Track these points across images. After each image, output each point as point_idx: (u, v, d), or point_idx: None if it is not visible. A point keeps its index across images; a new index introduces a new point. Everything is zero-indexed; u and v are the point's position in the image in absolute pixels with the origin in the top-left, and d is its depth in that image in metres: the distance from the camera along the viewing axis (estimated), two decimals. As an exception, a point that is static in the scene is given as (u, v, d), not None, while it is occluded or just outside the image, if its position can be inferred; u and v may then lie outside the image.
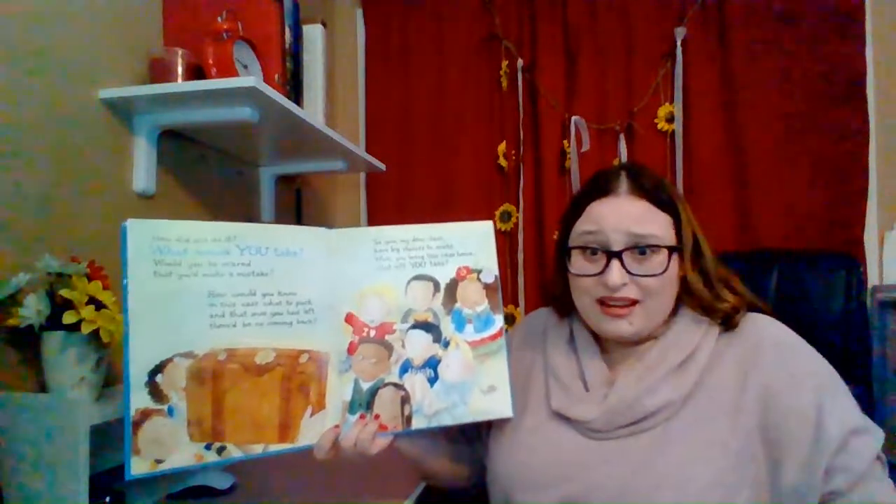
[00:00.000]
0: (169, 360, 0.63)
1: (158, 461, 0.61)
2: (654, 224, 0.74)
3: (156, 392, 0.62)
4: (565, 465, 0.74)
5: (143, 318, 0.62)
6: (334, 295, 0.73)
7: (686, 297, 0.78)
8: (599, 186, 0.78)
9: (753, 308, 0.79)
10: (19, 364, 0.86)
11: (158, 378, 0.62)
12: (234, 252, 0.68)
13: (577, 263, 0.77)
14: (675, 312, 0.79)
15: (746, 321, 0.77)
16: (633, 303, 0.74)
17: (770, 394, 0.70)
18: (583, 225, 0.77)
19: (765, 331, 0.76)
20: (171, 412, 0.62)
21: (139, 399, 0.61)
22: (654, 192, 0.76)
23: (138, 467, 0.60)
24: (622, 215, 0.74)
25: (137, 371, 0.61)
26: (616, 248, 0.73)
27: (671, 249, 0.74)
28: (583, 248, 0.76)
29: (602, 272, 0.73)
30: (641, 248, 0.73)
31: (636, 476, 0.69)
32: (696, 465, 0.68)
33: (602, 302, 0.75)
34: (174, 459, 0.62)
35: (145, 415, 0.61)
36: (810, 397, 0.69)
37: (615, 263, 0.73)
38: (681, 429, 0.71)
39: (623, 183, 0.76)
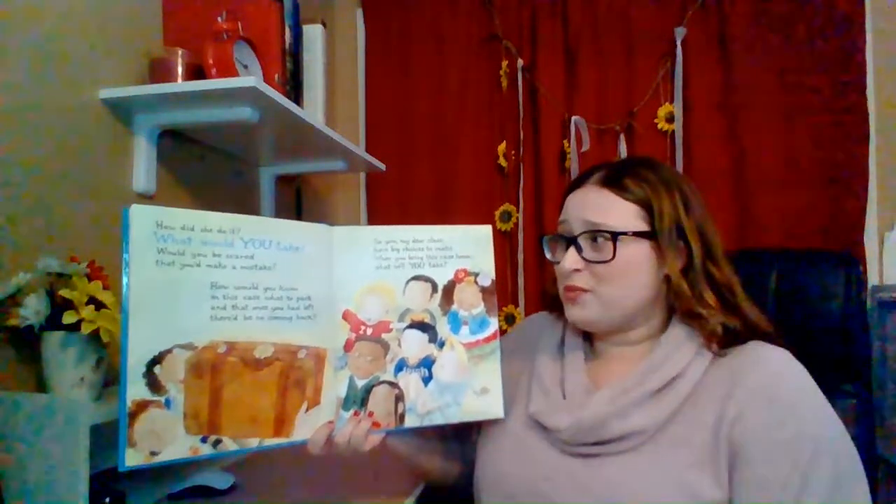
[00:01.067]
0: (168, 352, 0.62)
1: (154, 453, 0.61)
2: (613, 213, 0.74)
3: (154, 383, 0.61)
4: (537, 477, 0.73)
5: (144, 308, 0.61)
6: (333, 292, 0.73)
7: (676, 302, 0.75)
8: (577, 179, 0.81)
9: (763, 335, 0.73)
10: (19, 364, 0.86)
11: (157, 369, 0.61)
12: (238, 244, 0.68)
13: (550, 252, 0.82)
14: (668, 323, 0.77)
15: (746, 351, 0.71)
16: (586, 291, 0.75)
17: (745, 448, 0.65)
18: (560, 216, 0.80)
19: (764, 372, 0.68)
20: (168, 404, 0.62)
21: (136, 390, 0.60)
22: (623, 182, 0.75)
23: (133, 459, 0.60)
24: (583, 204, 0.77)
25: (135, 362, 0.60)
26: (574, 234, 0.76)
27: (615, 235, 0.72)
28: (553, 237, 0.80)
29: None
30: (594, 236, 0.74)
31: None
32: None
33: (566, 290, 0.78)
34: (170, 452, 0.62)
35: (142, 406, 0.60)
36: (783, 472, 0.63)
37: (570, 249, 0.76)
38: (652, 462, 0.67)
39: (595, 174, 0.78)
